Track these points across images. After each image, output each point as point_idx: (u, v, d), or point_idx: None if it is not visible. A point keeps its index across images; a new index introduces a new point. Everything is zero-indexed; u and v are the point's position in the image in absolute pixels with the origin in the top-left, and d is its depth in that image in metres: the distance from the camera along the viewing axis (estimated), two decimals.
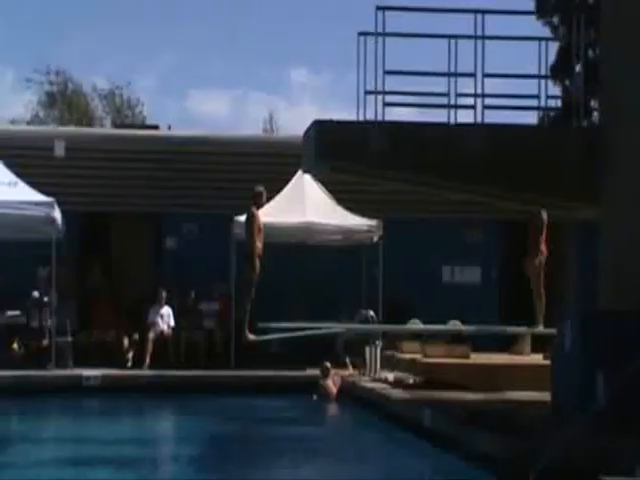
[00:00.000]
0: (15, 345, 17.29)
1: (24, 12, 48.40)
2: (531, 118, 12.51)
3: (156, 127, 22.88)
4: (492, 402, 11.62)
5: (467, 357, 14.30)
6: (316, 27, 50.91)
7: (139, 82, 64.19)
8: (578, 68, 13.07)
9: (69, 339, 17.20)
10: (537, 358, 14.20)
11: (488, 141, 11.07)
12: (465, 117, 11.39)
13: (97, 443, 11.81)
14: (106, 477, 9.54)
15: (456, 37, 11.27)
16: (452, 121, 11.26)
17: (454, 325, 14.92)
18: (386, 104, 11.05)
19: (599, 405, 8.70)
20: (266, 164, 19.45)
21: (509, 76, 12.11)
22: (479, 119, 11.26)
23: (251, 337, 14.02)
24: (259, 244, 13.89)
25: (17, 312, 17.71)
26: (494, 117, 11.62)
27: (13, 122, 36.37)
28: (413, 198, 18.77)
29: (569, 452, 8.01)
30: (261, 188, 14.65)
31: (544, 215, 15.08)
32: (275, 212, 17.12)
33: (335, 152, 11.11)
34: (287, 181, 18.48)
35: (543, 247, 15.20)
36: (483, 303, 19.56)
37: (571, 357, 9.49)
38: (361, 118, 11.05)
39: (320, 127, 11.10)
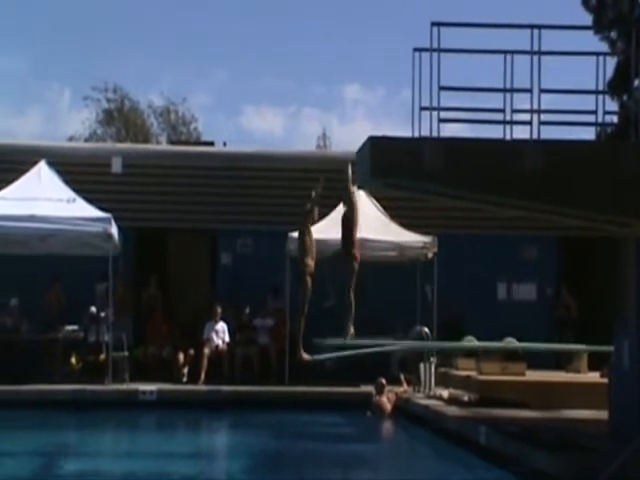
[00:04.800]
0: (73, 360, 17.49)
1: (82, 31, 49.19)
2: (588, 134, 12.39)
3: (211, 143, 23.04)
4: (549, 420, 11.51)
5: (523, 374, 14.18)
6: (369, 43, 51.04)
7: (194, 99, 64.76)
8: (637, 83, 12.92)
9: (126, 354, 17.37)
10: (594, 376, 14.04)
11: (546, 157, 10.96)
12: (520, 133, 11.32)
13: (153, 457, 11.90)
14: None
15: (512, 52, 11.21)
16: (508, 137, 11.18)
17: (509, 342, 14.79)
18: (441, 120, 11.01)
19: None
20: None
21: (566, 92, 12.00)
22: (535, 135, 11.17)
23: (305, 356, 13.97)
24: (310, 262, 13.84)
25: (75, 327, 17.92)
26: (550, 133, 11.52)
27: (71, 139, 36.90)
28: (468, 214, 18.69)
29: (626, 471, 7.91)
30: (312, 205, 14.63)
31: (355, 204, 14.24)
32: (329, 228, 17.10)
33: (389, 168, 11.06)
34: (342, 197, 18.46)
35: (356, 251, 14.14)
36: (539, 320, 19.37)
37: (629, 375, 9.37)
38: (416, 134, 11.02)
39: (374, 143, 11.07)
